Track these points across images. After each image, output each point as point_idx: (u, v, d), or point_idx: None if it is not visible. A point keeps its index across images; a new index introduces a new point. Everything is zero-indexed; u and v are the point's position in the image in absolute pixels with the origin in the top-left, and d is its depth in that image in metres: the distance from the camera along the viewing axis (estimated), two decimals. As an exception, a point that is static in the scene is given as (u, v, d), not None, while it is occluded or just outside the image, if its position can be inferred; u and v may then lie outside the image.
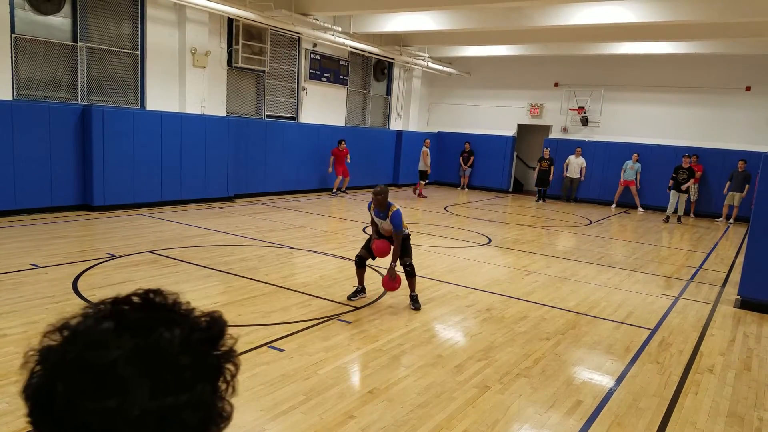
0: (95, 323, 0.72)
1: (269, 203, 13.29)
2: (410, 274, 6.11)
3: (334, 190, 15.84)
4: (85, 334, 0.71)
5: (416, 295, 6.18)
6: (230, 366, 0.77)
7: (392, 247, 6.05)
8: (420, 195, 16.70)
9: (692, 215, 15.92)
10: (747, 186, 14.61)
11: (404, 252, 6.10)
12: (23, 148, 9.55)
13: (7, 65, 9.55)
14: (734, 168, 14.97)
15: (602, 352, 5.26)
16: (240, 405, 3.75)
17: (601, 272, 8.50)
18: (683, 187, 14.35)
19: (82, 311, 0.74)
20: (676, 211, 14.68)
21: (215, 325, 0.77)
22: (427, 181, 17.31)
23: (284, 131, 14.62)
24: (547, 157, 17.62)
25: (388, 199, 5.97)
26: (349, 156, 15.67)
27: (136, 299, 0.76)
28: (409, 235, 6.18)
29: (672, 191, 14.51)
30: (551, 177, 17.57)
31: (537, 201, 17.74)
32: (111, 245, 8.05)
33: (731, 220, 15.12)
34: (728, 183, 15.01)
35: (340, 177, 15.74)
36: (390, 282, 6.04)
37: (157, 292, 0.77)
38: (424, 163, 16.82)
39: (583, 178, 17.44)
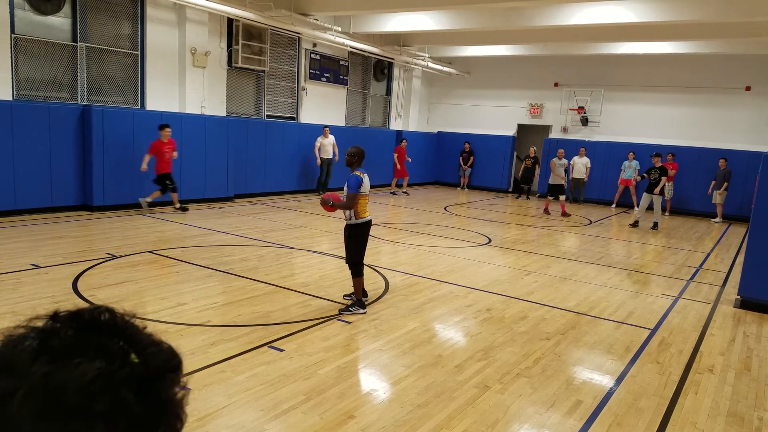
0: (20, 339, 0.57)
1: (269, 203, 13.29)
2: (352, 274, 5.93)
3: (393, 190, 16.86)
4: (2, 349, 0.57)
5: (351, 300, 5.98)
6: (172, 418, 0.58)
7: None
8: (564, 214, 14.33)
9: (667, 213, 15.98)
10: (726, 183, 14.65)
11: (347, 250, 5.97)
12: (23, 148, 9.55)
13: (7, 65, 9.55)
14: (717, 167, 15.06)
15: (602, 352, 5.26)
16: (240, 405, 3.76)
17: (601, 272, 8.50)
18: (656, 190, 12.95)
19: (27, 321, 0.60)
20: (661, 211, 14.12)
21: (154, 359, 0.58)
22: (565, 197, 14.53)
23: (284, 131, 14.62)
24: (532, 155, 17.71)
25: (357, 169, 5.84)
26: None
27: (86, 315, 0.61)
28: (357, 229, 5.89)
29: (644, 193, 13.37)
30: (535, 176, 17.73)
31: (517, 198, 18.06)
32: (111, 245, 8.05)
33: (717, 219, 15.20)
34: (713, 182, 15.06)
35: (398, 177, 16.77)
36: (324, 202, 5.87)
37: (109, 310, 0.62)
38: (556, 175, 14.35)
39: (586, 178, 17.40)
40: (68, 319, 0.60)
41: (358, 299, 5.92)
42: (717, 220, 15.29)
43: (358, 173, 5.81)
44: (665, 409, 4.16)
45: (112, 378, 0.54)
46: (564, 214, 14.24)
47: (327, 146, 14.97)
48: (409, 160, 17.29)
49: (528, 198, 18.11)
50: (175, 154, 10.96)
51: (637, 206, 14.64)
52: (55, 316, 0.60)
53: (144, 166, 10.62)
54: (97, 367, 0.54)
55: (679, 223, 14.76)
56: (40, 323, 0.60)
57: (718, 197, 14.94)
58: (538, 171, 17.87)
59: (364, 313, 5.82)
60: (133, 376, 0.56)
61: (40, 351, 0.55)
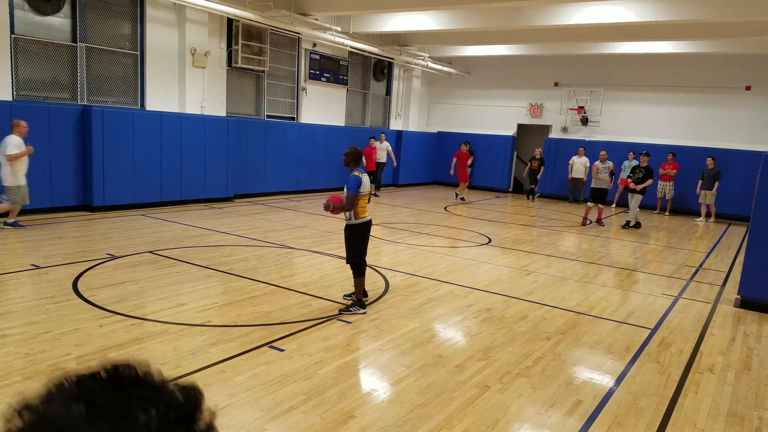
0: (64, 408, 0.63)
1: (269, 203, 13.29)
2: (354, 274, 5.93)
3: (461, 196, 16.62)
4: (55, 422, 0.62)
5: (351, 300, 5.98)
6: None
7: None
8: (588, 221, 13.34)
9: (668, 213, 15.99)
10: (717, 183, 14.55)
11: (347, 250, 5.96)
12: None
13: (6, 66, 9.55)
14: (705, 166, 14.96)
15: (602, 352, 5.26)
16: (240, 405, 3.76)
17: (601, 272, 8.50)
18: (638, 187, 12.77)
19: (44, 391, 0.65)
20: (659, 209, 14.09)
21: (191, 398, 0.70)
22: (592, 203, 13.09)
23: (284, 131, 14.62)
24: (538, 157, 17.72)
25: (355, 169, 5.82)
26: (471, 159, 17.05)
27: (103, 375, 0.68)
28: (357, 229, 5.86)
29: (629, 193, 13.16)
30: (539, 176, 17.77)
31: (528, 199, 18.12)
32: (111, 245, 8.05)
33: (712, 219, 15.14)
34: (700, 182, 14.94)
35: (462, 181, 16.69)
36: (326, 207, 5.86)
37: (127, 365, 0.70)
38: (599, 179, 13.03)
39: (585, 177, 17.38)
40: (94, 380, 0.68)
41: (359, 299, 5.92)
42: (706, 220, 15.21)
43: (357, 173, 5.79)
44: (665, 409, 4.16)
45: (167, 421, 0.65)
46: (599, 221, 13.18)
47: (382, 151, 16.33)
48: (470, 168, 17.46)
49: (533, 200, 18.04)
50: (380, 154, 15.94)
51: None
52: (81, 381, 0.67)
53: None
54: (153, 416, 0.64)
55: (679, 223, 14.76)
56: (69, 387, 0.66)
57: (708, 197, 14.86)
58: (542, 172, 17.84)
59: (364, 313, 5.82)
60: (181, 415, 0.67)
61: (91, 413, 0.62)
